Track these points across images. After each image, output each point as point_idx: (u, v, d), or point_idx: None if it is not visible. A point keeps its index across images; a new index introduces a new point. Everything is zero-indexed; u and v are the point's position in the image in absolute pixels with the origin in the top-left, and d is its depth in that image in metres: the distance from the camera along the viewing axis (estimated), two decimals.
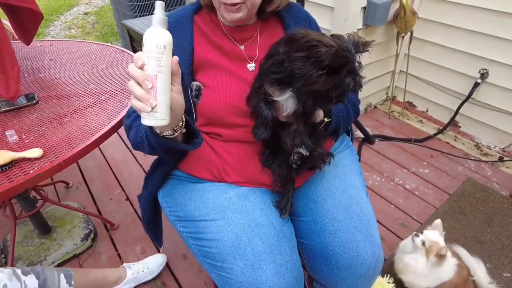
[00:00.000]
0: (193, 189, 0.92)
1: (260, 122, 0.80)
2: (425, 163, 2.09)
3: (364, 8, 1.95)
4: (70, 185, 1.91)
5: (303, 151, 0.79)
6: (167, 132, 0.70)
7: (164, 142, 0.72)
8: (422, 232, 1.26)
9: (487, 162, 2.09)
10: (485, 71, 2.04)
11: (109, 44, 1.78)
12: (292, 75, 0.67)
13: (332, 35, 0.69)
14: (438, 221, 1.28)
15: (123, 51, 1.66)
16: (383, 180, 1.96)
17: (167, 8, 3.13)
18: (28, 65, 1.54)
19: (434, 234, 1.24)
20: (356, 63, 0.67)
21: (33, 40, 1.44)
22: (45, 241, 1.53)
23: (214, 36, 0.91)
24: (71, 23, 4.77)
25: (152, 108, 0.60)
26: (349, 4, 1.85)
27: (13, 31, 1.53)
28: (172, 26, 0.88)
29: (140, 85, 0.60)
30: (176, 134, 0.72)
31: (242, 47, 0.92)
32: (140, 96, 0.60)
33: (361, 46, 0.67)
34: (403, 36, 2.25)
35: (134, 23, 2.68)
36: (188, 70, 0.88)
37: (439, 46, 2.22)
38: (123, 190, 1.88)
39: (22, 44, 1.48)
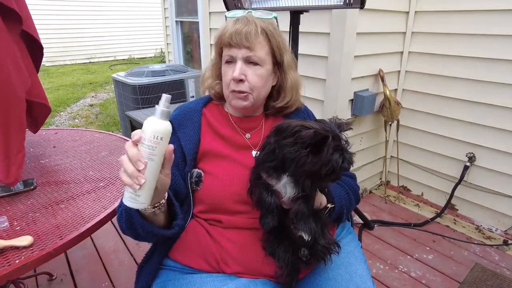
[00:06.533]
0: (189, 281, 0.86)
1: (265, 211, 0.80)
2: (428, 248, 2.02)
3: (352, 100, 2.13)
4: (54, 277, 1.77)
5: (305, 235, 0.77)
6: (148, 208, 0.72)
7: (143, 224, 0.74)
8: None
9: (492, 246, 2.03)
10: (472, 154, 2.13)
11: (111, 132, 1.86)
12: (284, 160, 0.72)
13: (315, 120, 0.76)
14: None
15: (125, 139, 1.72)
16: (387, 268, 1.86)
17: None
18: (31, 152, 1.57)
19: None
20: (342, 140, 0.71)
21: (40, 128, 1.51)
22: None
23: (221, 126, 0.97)
24: (76, 114, 5.04)
25: (140, 186, 0.62)
26: (337, 98, 2.02)
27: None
28: (182, 117, 0.96)
29: (132, 164, 0.62)
30: (155, 210, 0.74)
31: (248, 135, 0.98)
32: (130, 173, 0.62)
33: (344, 125, 0.74)
34: (390, 124, 2.40)
35: (137, 114, 2.85)
36: (192, 158, 0.92)
37: (425, 132, 2.35)
38: (112, 283, 1.75)
39: (28, 132, 1.54)
